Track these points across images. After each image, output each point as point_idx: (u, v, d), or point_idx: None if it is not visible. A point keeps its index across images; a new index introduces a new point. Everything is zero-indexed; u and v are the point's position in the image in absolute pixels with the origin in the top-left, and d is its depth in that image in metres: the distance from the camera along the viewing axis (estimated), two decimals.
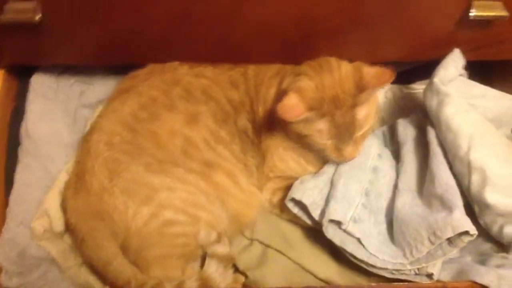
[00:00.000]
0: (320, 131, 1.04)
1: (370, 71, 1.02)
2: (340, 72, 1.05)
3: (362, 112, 1.04)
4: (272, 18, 1.06)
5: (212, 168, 1.09)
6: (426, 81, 1.27)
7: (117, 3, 1.02)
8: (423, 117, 1.18)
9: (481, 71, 1.23)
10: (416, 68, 1.31)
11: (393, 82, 1.30)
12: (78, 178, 1.10)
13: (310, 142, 1.07)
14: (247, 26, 1.08)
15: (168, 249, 1.07)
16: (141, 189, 1.05)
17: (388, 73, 1.02)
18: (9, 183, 1.19)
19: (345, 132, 1.03)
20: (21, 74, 1.27)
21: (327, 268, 1.13)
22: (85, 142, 1.12)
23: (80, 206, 1.08)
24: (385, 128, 1.24)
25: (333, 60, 1.08)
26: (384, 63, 1.22)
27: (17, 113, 1.25)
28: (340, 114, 1.02)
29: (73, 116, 1.28)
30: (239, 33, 1.09)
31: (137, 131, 1.09)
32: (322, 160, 1.13)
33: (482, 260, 1.03)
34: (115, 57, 1.17)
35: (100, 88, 1.30)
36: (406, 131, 1.17)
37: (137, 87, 1.14)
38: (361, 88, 1.02)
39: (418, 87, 1.30)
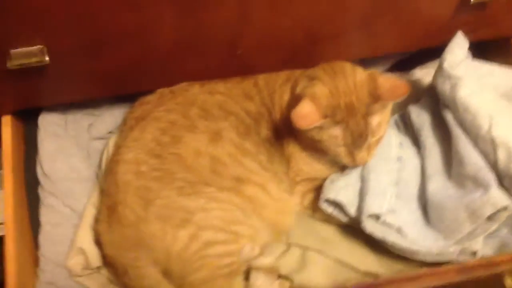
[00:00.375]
0: (334, 137, 1.06)
1: (385, 83, 1.04)
2: (354, 78, 1.06)
3: (376, 120, 1.05)
4: (281, 25, 1.07)
5: (242, 182, 1.10)
6: (427, 66, 1.32)
7: (122, 34, 1.02)
8: (432, 101, 1.21)
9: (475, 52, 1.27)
10: (414, 55, 1.34)
11: (394, 71, 1.35)
12: (110, 211, 1.09)
13: (323, 147, 1.09)
14: (255, 35, 1.09)
15: (213, 271, 1.06)
16: (176, 213, 1.05)
17: (403, 87, 1.03)
18: (34, 226, 1.19)
19: (359, 139, 1.05)
20: (26, 116, 1.25)
21: (367, 260, 1.15)
22: (111, 175, 1.11)
23: (116, 238, 1.08)
24: (396, 116, 1.26)
25: (347, 66, 1.10)
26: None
27: (28, 156, 1.24)
28: (354, 121, 1.04)
29: (86, 149, 1.27)
30: (247, 43, 1.10)
31: (163, 156, 1.09)
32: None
33: None
34: (123, 87, 1.17)
35: (108, 118, 1.30)
36: (420, 117, 1.20)
37: (153, 113, 1.14)
38: (375, 98, 1.04)
39: (421, 72, 1.33)
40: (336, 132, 1.04)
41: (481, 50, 1.25)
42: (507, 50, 1.27)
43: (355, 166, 1.10)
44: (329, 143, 1.06)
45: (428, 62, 1.33)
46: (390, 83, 1.03)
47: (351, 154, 1.07)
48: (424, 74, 1.31)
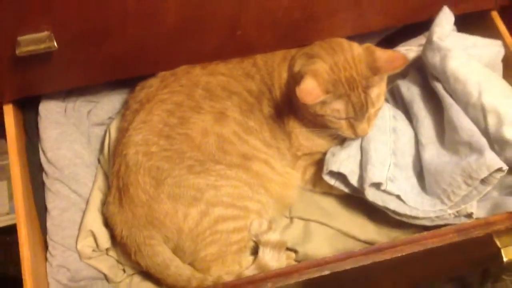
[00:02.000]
0: (336, 111, 1.10)
1: (382, 55, 1.09)
2: (352, 53, 1.11)
3: (375, 92, 1.10)
4: (279, 4, 1.10)
5: (249, 159, 1.14)
6: (409, 43, 1.37)
7: (126, 18, 1.04)
8: (420, 75, 1.26)
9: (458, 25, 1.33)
10: (396, 33, 1.39)
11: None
12: (122, 192, 1.12)
13: (325, 121, 1.13)
14: (254, 15, 1.11)
15: (224, 247, 1.11)
16: (187, 191, 1.09)
17: (401, 58, 1.09)
18: (40, 212, 1.20)
19: (360, 111, 1.10)
20: (23, 104, 1.27)
21: (366, 229, 1.21)
22: (120, 157, 1.14)
23: (129, 218, 1.11)
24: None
25: (344, 42, 1.15)
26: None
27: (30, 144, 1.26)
28: (355, 94, 1.09)
29: (87, 136, 1.30)
30: (247, 24, 1.13)
31: (172, 137, 1.12)
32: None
33: (509, 192, 1.12)
34: (125, 71, 1.19)
35: (107, 104, 1.32)
36: (410, 90, 1.25)
37: (158, 96, 1.16)
38: (374, 71, 1.09)
39: (403, 49, 1.38)
40: (338, 105, 1.09)
41: (463, 23, 1.30)
42: (487, 23, 1.32)
43: (356, 137, 1.14)
44: (331, 117, 1.11)
45: (410, 40, 1.38)
46: (388, 55, 1.09)
47: (353, 126, 1.12)
48: (407, 50, 1.36)
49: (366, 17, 1.21)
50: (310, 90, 1.06)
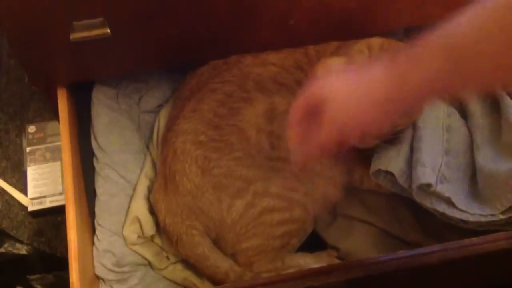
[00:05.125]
0: None
1: None
2: None
3: None
4: None
5: None
6: None
7: (177, 3, 1.04)
8: None
9: None
10: None
11: None
12: (168, 180, 1.12)
13: None
14: (308, 4, 1.10)
15: (266, 240, 1.09)
16: (234, 183, 1.08)
17: None
18: (88, 197, 1.23)
19: None
20: (76, 89, 1.29)
21: (412, 230, 1.17)
22: (168, 144, 1.14)
23: (173, 206, 1.11)
24: None
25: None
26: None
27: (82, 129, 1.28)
28: None
29: (137, 123, 1.31)
30: (300, 13, 1.11)
31: (221, 127, 1.11)
32: None
33: None
34: (176, 59, 1.20)
35: (157, 92, 1.33)
36: None
37: (209, 85, 1.16)
38: None
39: None
40: None
41: None
42: None
43: None
44: None
45: None
46: None
47: None
48: None
49: (425, 9, 1.17)
50: (328, 65, 1.05)
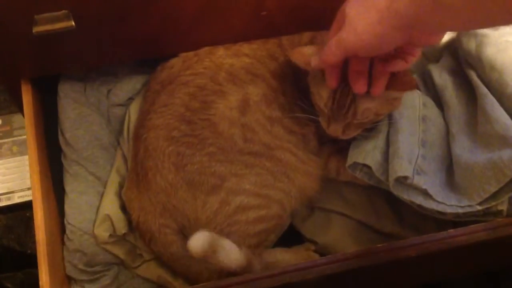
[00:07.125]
0: (319, 95, 1.04)
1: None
2: None
3: (366, 105, 1.01)
4: None
5: (272, 148, 1.09)
6: None
7: None
8: (453, 61, 1.20)
9: None
10: None
11: None
12: (140, 177, 1.09)
13: (313, 100, 1.07)
14: None
15: (243, 238, 1.07)
16: (208, 179, 1.05)
17: (412, 83, 0.99)
18: (57, 195, 1.19)
19: (337, 111, 1.02)
20: (42, 83, 1.24)
21: (390, 222, 1.16)
22: (139, 141, 1.11)
23: (146, 204, 1.08)
24: (415, 76, 1.25)
25: None
26: None
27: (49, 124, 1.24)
28: (343, 91, 1.00)
29: (106, 117, 1.27)
30: (272, 3, 1.08)
31: (194, 122, 1.08)
32: None
33: None
34: (146, 52, 1.16)
35: (127, 85, 1.27)
36: (442, 77, 1.19)
37: (180, 77, 1.12)
38: None
39: None
40: (323, 91, 1.03)
41: None
42: None
43: (328, 133, 1.07)
44: (315, 98, 1.05)
45: None
46: (400, 74, 0.99)
47: (328, 121, 1.05)
48: None
49: None
50: (303, 52, 1.02)
